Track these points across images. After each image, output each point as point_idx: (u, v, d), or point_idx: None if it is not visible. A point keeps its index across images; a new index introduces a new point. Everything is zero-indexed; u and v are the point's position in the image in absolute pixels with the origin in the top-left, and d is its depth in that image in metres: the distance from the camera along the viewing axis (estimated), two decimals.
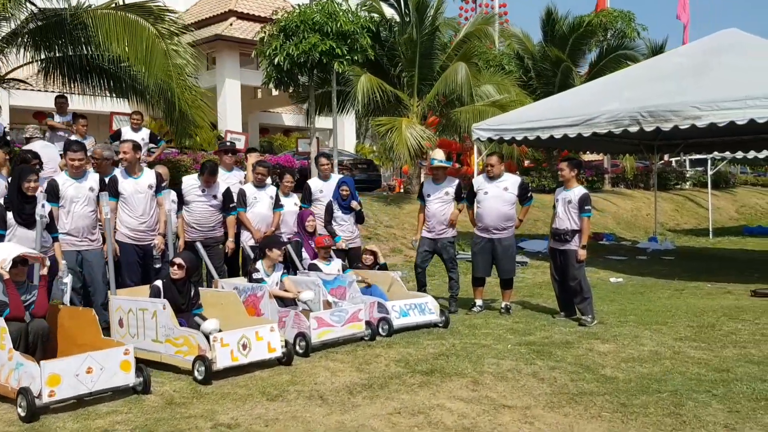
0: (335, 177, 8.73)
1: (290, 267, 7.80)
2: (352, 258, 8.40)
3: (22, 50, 11.28)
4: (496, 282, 8.32)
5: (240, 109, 26.39)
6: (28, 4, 11.10)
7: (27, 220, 5.79)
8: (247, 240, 7.78)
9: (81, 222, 6.51)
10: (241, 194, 7.79)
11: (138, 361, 5.41)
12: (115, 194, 6.63)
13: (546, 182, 21.45)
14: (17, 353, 4.64)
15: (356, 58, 15.10)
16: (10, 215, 5.77)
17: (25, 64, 11.73)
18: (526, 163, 23.45)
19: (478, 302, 8.20)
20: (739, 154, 19.19)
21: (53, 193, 6.38)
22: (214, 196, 7.58)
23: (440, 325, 7.18)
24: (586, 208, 7.41)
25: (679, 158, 27.83)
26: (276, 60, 14.83)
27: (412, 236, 8.59)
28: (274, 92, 23.76)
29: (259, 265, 6.87)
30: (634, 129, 10.72)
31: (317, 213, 8.39)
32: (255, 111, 31.70)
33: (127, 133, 10.98)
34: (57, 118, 11.12)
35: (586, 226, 7.44)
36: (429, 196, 8.15)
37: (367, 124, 22.67)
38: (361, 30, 15.07)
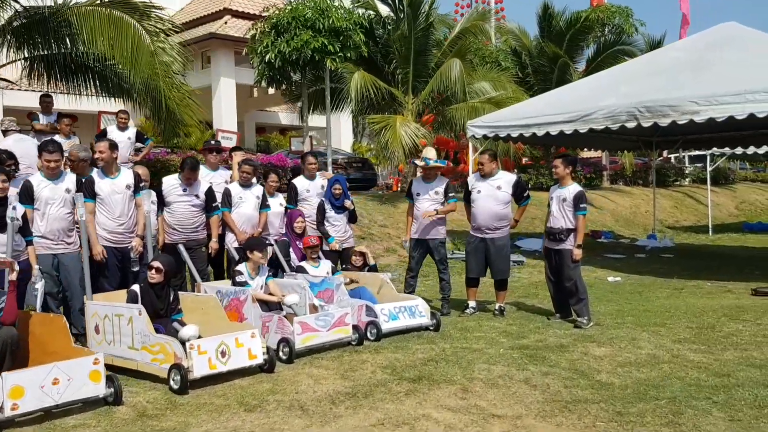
0: (320, 176, 8.48)
1: (279, 269, 7.59)
2: (345, 259, 8.16)
3: (5, 49, 11.01)
4: (492, 282, 8.08)
5: (235, 108, 26.16)
6: (11, 1, 10.86)
7: None
8: (232, 241, 7.53)
9: (57, 224, 6.27)
10: (226, 194, 7.55)
11: (114, 369, 5.23)
12: (91, 195, 6.37)
13: (544, 180, 21.20)
14: None
15: (349, 55, 14.88)
16: None
17: (9, 63, 11.47)
18: (524, 160, 23.24)
19: (471, 304, 7.97)
20: (739, 150, 18.99)
21: (27, 195, 6.13)
22: (196, 196, 7.33)
23: (431, 328, 6.94)
24: (582, 206, 7.17)
25: (678, 154, 27.66)
26: (267, 57, 14.62)
27: (404, 236, 8.32)
28: (270, 91, 23.52)
29: (242, 267, 6.63)
30: (631, 125, 10.48)
31: (305, 213, 8.14)
32: (251, 110, 31.48)
33: (114, 132, 10.76)
34: (42, 119, 10.87)
35: (581, 225, 7.20)
36: (418, 195, 7.91)
37: (363, 122, 22.45)
38: (354, 26, 14.85)
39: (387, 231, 13.95)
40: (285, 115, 32.74)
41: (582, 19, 21.74)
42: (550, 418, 4.37)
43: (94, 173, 6.54)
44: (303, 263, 7.51)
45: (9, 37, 10.87)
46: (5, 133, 8.87)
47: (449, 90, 16.33)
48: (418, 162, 7.93)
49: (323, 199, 8.15)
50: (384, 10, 17.56)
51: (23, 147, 7.74)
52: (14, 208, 5.64)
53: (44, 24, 10.74)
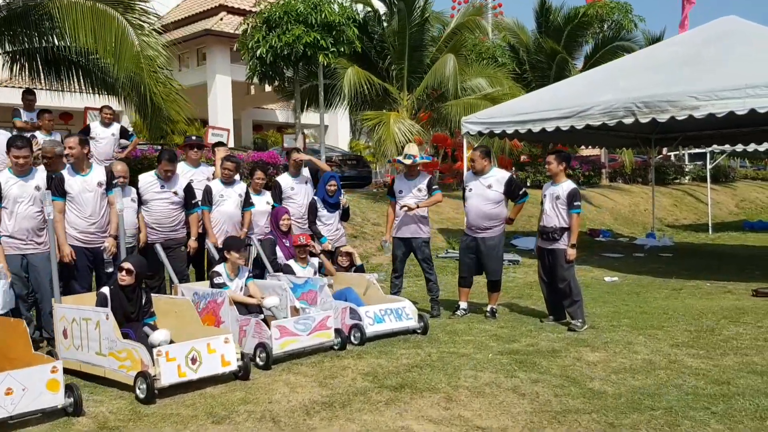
0: (307, 173, 8.18)
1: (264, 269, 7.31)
2: (333, 259, 7.87)
3: None
4: (486, 282, 7.78)
5: (231, 105, 25.91)
6: None
7: None
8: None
9: (26, 223, 6.00)
10: (207, 192, 7.26)
11: (82, 376, 4.98)
12: (61, 193, 6.09)
13: (542, 178, 20.90)
14: None
15: (342, 49, 14.57)
16: None
17: None
18: (523, 158, 22.94)
19: (462, 305, 7.68)
20: (739, 147, 18.67)
21: None
22: (175, 193, 7.05)
23: (418, 331, 6.66)
24: (576, 204, 6.88)
25: (677, 152, 27.36)
26: (258, 53, 14.32)
27: (385, 236, 8.02)
28: (267, 88, 23.25)
29: (220, 268, 6.35)
30: (628, 120, 10.19)
31: (290, 211, 7.84)
32: (248, 107, 31.21)
33: (97, 128, 10.48)
34: (24, 115, 10.59)
35: (575, 224, 6.91)
36: (401, 192, 7.63)
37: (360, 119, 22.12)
38: (347, 21, 14.55)
39: (380, 229, 13.63)
40: (282, 113, 32.46)
41: (580, 14, 21.44)
42: (538, 431, 4.09)
43: (65, 170, 6.25)
44: (291, 262, 7.22)
45: None
46: None
47: (443, 86, 16.03)
48: (402, 160, 7.63)
49: (315, 197, 7.85)
50: (380, 6, 17.28)
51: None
52: None
53: (25, 17, 10.45)
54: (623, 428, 4.08)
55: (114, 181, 6.36)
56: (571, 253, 6.89)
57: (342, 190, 8.03)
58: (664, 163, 27.07)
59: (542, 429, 4.12)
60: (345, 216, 8.15)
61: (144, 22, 10.33)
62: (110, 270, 6.23)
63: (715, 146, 17.71)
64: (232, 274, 6.34)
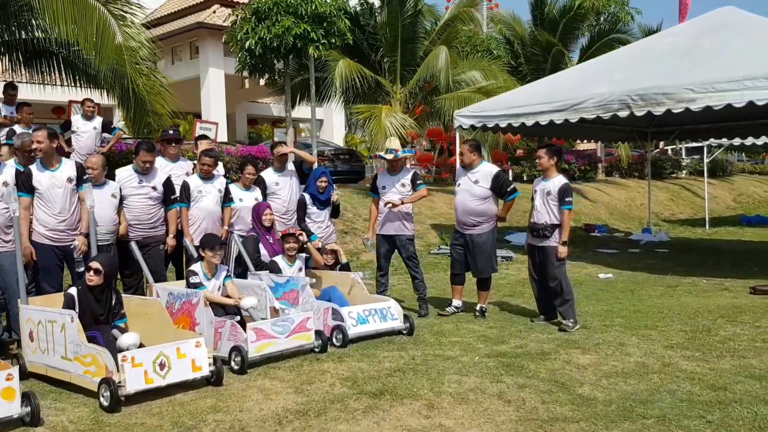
0: (291, 167, 7.90)
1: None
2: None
3: None
4: (476, 280, 7.52)
5: (224, 98, 25.65)
6: None
7: None
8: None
9: None
10: (184, 188, 6.97)
11: (49, 381, 4.74)
12: (28, 189, 5.81)
13: (537, 172, 20.64)
14: None
15: (334, 41, 14.27)
16: None
17: None
18: (519, 152, 22.69)
19: (455, 303, 7.47)
20: (737, 141, 18.46)
21: None
22: (154, 188, 6.78)
23: (404, 332, 6.41)
24: (567, 200, 6.62)
25: (674, 146, 27.15)
26: (247, 44, 14.03)
27: (367, 234, 7.77)
28: (261, 82, 22.98)
29: (197, 267, 6.08)
30: (623, 114, 9.94)
31: (275, 207, 7.58)
32: (242, 101, 30.96)
33: (79, 121, 10.22)
34: (3, 110, 10.31)
35: (566, 220, 6.66)
36: (384, 188, 7.36)
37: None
38: (338, 12, 14.25)
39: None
40: (277, 107, 32.17)
41: (576, 6, 21.15)
42: None
43: (33, 165, 5.98)
44: (278, 259, 6.94)
45: None
46: None
47: (435, 79, 15.76)
48: (383, 155, 7.36)
49: (304, 193, 7.58)
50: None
51: None
52: None
53: (5, 8, 10.18)
54: None
55: (85, 177, 6.07)
56: (563, 250, 6.65)
57: (334, 186, 7.76)
58: (660, 157, 26.84)
59: None
60: (335, 213, 7.90)
61: (126, 12, 10.05)
62: (81, 269, 5.96)
63: (712, 140, 17.52)
64: (209, 273, 6.08)
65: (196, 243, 6.84)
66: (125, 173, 6.81)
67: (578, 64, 15.68)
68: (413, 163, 20.87)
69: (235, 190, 7.43)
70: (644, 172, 23.53)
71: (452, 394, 4.63)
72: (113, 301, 5.33)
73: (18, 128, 9.36)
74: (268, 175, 7.72)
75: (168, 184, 6.89)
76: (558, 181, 6.72)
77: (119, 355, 4.47)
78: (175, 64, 27.09)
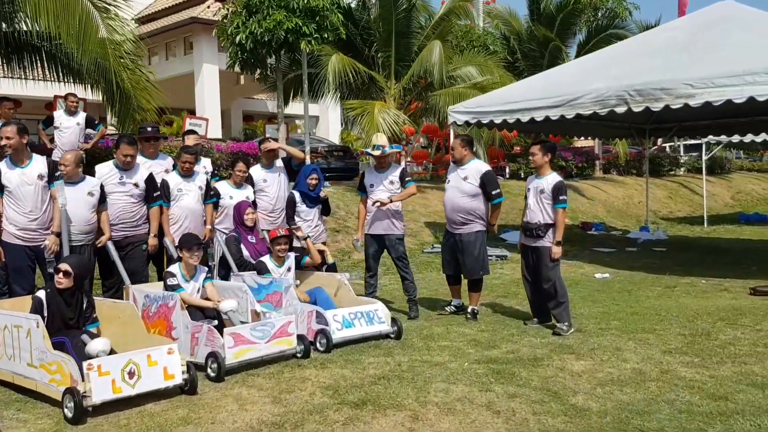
0: (280, 164, 7.64)
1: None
2: None
3: None
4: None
5: (218, 95, 25.38)
6: None
7: None
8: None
9: None
10: (164, 186, 6.69)
11: (15, 389, 4.49)
12: None
13: (534, 170, 20.42)
14: None
15: (326, 36, 14.00)
16: None
17: None
18: (516, 149, 22.45)
19: (455, 302, 7.29)
20: (736, 138, 18.22)
21: None
22: (135, 185, 6.49)
23: (392, 336, 6.17)
24: (561, 198, 6.36)
25: (672, 143, 26.93)
26: (238, 39, 13.75)
27: (356, 234, 7.54)
28: (256, 77, 22.72)
29: (175, 268, 5.82)
30: (621, 109, 9.69)
31: (262, 205, 7.33)
32: (237, 97, 30.63)
33: (62, 116, 9.98)
34: None
35: (560, 219, 6.40)
36: (372, 186, 7.12)
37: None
38: (331, 6, 13.97)
39: None
40: (272, 103, 31.85)
41: (573, 1, 20.88)
42: None
43: (2, 162, 5.71)
44: (266, 259, 6.68)
45: None
46: None
47: (430, 74, 15.50)
48: (370, 152, 7.11)
49: (293, 191, 7.32)
50: None
51: None
52: None
53: None
54: None
55: (57, 173, 5.80)
56: (557, 251, 6.39)
57: (327, 183, 7.50)
58: (658, 154, 26.64)
59: None
60: (326, 210, 7.65)
61: (109, 5, 9.76)
62: (52, 270, 5.70)
63: (710, 137, 17.27)
64: (187, 275, 5.82)
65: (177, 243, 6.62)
66: (105, 169, 6.53)
67: (574, 60, 15.42)
68: (409, 160, 20.64)
69: (226, 187, 7.18)
70: (642, 170, 23.31)
71: (438, 404, 4.39)
72: (84, 305, 5.08)
73: None
74: (256, 171, 7.46)
75: (150, 180, 6.61)
76: (552, 178, 6.47)
77: (84, 364, 4.21)
78: (169, 60, 26.80)
